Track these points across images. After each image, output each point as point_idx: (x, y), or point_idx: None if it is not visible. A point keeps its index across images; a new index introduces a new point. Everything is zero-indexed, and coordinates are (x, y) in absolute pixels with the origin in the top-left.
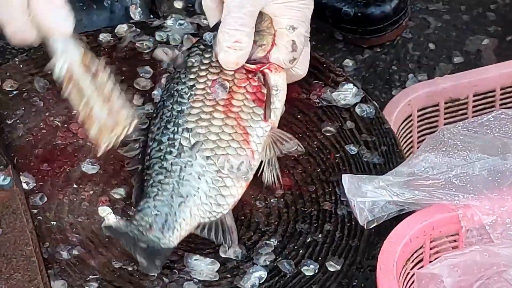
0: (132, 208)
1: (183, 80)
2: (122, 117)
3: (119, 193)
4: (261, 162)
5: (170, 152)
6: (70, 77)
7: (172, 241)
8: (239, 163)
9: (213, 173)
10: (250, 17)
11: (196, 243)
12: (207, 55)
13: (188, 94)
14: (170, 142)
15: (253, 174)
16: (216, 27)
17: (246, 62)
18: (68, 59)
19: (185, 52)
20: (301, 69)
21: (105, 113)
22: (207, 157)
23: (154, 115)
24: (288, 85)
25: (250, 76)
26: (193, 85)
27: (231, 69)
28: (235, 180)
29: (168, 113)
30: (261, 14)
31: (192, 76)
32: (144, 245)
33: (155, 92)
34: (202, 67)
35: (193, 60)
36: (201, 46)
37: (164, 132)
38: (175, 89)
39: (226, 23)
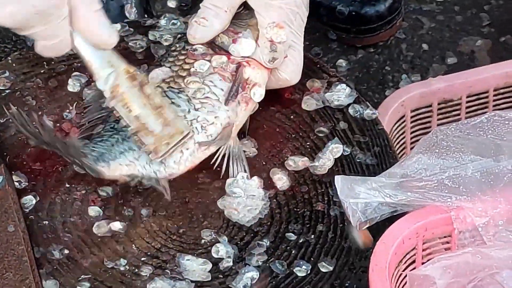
0: (124, 207)
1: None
2: (177, 130)
3: (109, 191)
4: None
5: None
6: (115, 89)
7: (102, 170)
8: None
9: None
10: (226, 1)
11: (188, 243)
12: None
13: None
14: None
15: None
16: None
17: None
18: (114, 71)
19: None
20: (287, 74)
21: (160, 125)
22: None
23: None
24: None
25: (225, 64)
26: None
27: (192, 42)
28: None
29: None
30: (252, 12)
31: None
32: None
33: None
34: (180, 53)
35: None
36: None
37: None
38: None
39: (202, 2)
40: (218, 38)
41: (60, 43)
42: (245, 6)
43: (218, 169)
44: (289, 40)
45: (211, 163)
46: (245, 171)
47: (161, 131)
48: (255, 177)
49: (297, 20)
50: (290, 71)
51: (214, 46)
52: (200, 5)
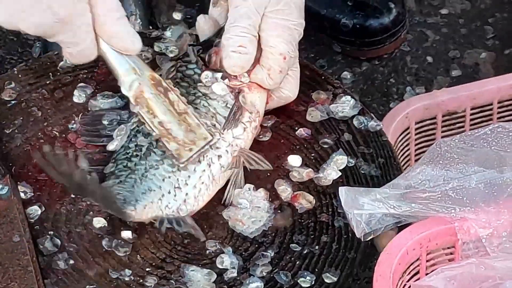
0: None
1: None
2: (199, 136)
3: None
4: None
5: (136, 156)
6: (140, 95)
7: (131, 214)
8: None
9: (178, 180)
10: (254, 27)
11: (193, 253)
12: (188, 71)
13: None
14: (137, 147)
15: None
16: (207, 42)
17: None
18: (139, 77)
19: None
20: (289, 90)
21: (182, 132)
22: (173, 165)
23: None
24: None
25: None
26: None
27: (235, 73)
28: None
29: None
30: None
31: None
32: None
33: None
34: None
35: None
36: (186, 59)
37: (132, 140)
38: None
39: (231, 31)
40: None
41: (85, 50)
42: None
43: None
44: (292, 60)
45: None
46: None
47: (184, 137)
48: (261, 189)
49: (296, 36)
50: (292, 88)
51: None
52: (227, 35)
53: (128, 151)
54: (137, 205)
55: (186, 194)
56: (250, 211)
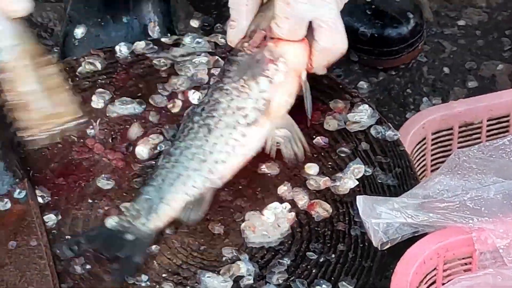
0: None
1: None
2: (69, 111)
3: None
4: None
5: (179, 138)
6: (14, 61)
7: (156, 224)
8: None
9: (204, 152)
10: None
11: (209, 260)
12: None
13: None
14: (183, 128)
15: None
16: None
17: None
18: (20, 45)
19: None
20: (325, 41)
21: (49, 104)
22: (204, 136)
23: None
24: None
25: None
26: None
27: (232, 45)
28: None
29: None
30: None
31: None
32: (130, 237)
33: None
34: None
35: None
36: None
37: (185, 124)
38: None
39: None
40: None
41: None
42: None
43: (240, 187)
44: (306, 7)
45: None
46: (304, 149)
47: (51, 109)
48: (293, 213)
49: None
50: (326, 38)
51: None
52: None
53: (177, 135)
54: (160, 207)
55: (211, 162)
56: (269, 226)
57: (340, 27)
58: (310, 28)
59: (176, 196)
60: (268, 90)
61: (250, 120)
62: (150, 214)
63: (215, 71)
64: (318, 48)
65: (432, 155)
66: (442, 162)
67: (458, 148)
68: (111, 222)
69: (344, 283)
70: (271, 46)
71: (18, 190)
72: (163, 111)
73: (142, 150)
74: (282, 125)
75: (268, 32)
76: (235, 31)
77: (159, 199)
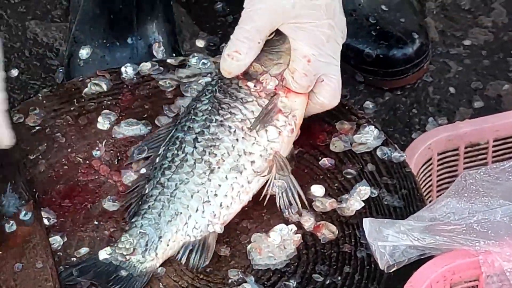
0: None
1: (201, 99)
2: None
3: None
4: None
5: (169, 168)
6: None
7: (153, 264)
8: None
9: (207, 192)
10: (257, 31)
11: (215, 282)
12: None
13: (201, 115)
14: (173, 157)
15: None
16: None
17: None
18: None
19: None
20: (324, 97)
21: None
22: (204, 173)
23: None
24: (311, 125)
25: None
26: (207, 108)
27: (227, 77)
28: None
29: (179, 132)
30: (284, 36)
31: (207, 96)
32: (124, 273)
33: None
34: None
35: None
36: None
37: (169, 148)
38: (192, 107)
39: (234, 34)
40: (251, 68)
41: None
42: (277, 31)
43: (246, 208)
44: (321, 64)
45: (261, 198)
46: (296, 203)
47: None
48: (299, 235)
49: (330, 42)
50: (328, 95)
51: (247, 75)
52: (231, 37)
53: (163, 163)
54: (159, 247)
55: (216, 205)
56: (275, 248)
57: (340, 85)
58: None
59: (176, 236)
60: (276, 140)
61: (256, 168)
62: (148, 253)
63: None
64: (315, 101)
65: (438, 175)
66: (448, 182)
67: (464, 168)
68: (103, 254)
69: None
70: (283, 98)
71: (24, 212)
72: None
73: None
74: (279, 176)
75: (279, 81)
76: (239, 64)
77: (158, 237)
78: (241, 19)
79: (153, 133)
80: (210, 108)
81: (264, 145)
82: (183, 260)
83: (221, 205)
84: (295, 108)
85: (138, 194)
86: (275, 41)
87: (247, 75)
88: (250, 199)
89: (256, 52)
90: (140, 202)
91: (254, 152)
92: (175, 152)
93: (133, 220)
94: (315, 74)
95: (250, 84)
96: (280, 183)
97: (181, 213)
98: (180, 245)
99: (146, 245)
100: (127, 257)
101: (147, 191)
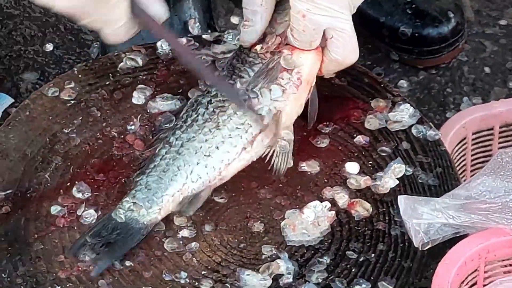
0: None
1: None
2: None
3: None
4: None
5: (180, 127)
6: None
7: (154, 217)
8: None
9: (209, 147)
10: None
11: (249, 257)
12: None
13: None
14: (186, 117)
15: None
16: None
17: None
18: None
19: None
20: (338, 54)
21: None
22: (209, 130)
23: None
24: (345, 103)
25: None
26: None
27: (245, 46)
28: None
29: (199, 96)
30: None
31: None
32: (126, 226)
33: None
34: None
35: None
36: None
37: (187, 110)
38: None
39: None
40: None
41: (122, 28)
42: None
43: (280, 185)
44: (319, 17)
45: (263, 156)
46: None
47: None
48: (333, 212)
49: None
50: (340, 50)
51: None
52: (243, 9)
53: (177, 123)
54: (162, 201)
55: (217, 160)
56: (309, 224)
57: (353, 39)
58: (323, 35)
59: (178, 191)
60: (281, 99)
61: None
62: (151, 208)
63: None
64: (330, 57)
65: (472, 155)
66: (482, 162)
67: (499, 148)
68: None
69: (383, 283)
70: (286, 55)
71: None
72: None
73: None
74: (285, 137)
75: (283, 39)
76: (249, 31)
77: (161, 193)
78: None
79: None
80: (226, 73)
81: (267, 104)
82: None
83: (222, 160)
84: (299, 64)
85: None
86: (283, 0)
87: (262, 40)
88: (252, 161)
89: (264, 15)
90: (148, 162)
91: (258, 112)
92: (190, 113)
93: (137, 179)
94: (314, 29)
95: (258, 47)
96: (283, 143)
97: (183, 167)
98: (180, 199)
99: (150, 200)
100: (132, 213)
101: (156, 151)
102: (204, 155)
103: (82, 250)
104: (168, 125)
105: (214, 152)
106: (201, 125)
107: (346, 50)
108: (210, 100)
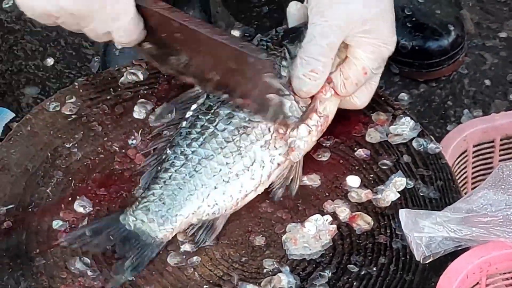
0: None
1: None
2: None
3: None
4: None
5: (197, 139)
6: None
7: (166, 235)
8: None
9: (229, 173)
10: (331, 48)
11: (250, 271)
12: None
13: None
14: (202, 129)
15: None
16: (294, 32)
17: None
18: None
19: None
20: (360, 99)
21: None
22: (231, 153)
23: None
24: (346, 116)
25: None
26: None
27: (301, 97)
28: (245, 182)
29: (211, 102)
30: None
31: None
32: (138, 239)
33: None
34: None
35: None
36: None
37: (199, 117)
38: None
39: (306, 50)
40: None
41: (131, 23)
42: None
43: (281, 198)
44: (373, 71)
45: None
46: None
47: None
48: (335, 225)
49: (386, 54)
50: (363, 98)
51: None
52: (302, 55)
53: (191, 132)
54: (176, 221)
55: (236, 189)
56: (310, 238)
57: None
58: None
59: (192, 213)
60: (305, 139)
61: (279, 161)
62: (164, 225)
63: None
64: (349, 100)
65: (473, 167)
66: (484, 175)
67: (500, 161)
68: (119, 217)
69: None
70: (322, 98)
71: None
72: None
73: None
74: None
75: (326, 81)
76: (317, 84)
77: (175, 211)
78: (312, 34)
79: (182, 94)
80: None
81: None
82: (190, 233)
83: (240, 191)
84: (330, 109)
85: (158, 156)
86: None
87: None
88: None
89: (330, 68)
90: (159, 168)
91: (282, 146)
92: (205, 124)
93: (151, 186)
94: (363, 84)
95: None
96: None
97: (200, 188)
98: (194, 221)
99: (163, 216)
100: (142, 224)
101: (169, 159)
102: (223, 180)
103: (78, 241)
104: (169, 115)
105: (233, 180)
106: (221, 143)
107: (367, 98)
108: (231, 113)
